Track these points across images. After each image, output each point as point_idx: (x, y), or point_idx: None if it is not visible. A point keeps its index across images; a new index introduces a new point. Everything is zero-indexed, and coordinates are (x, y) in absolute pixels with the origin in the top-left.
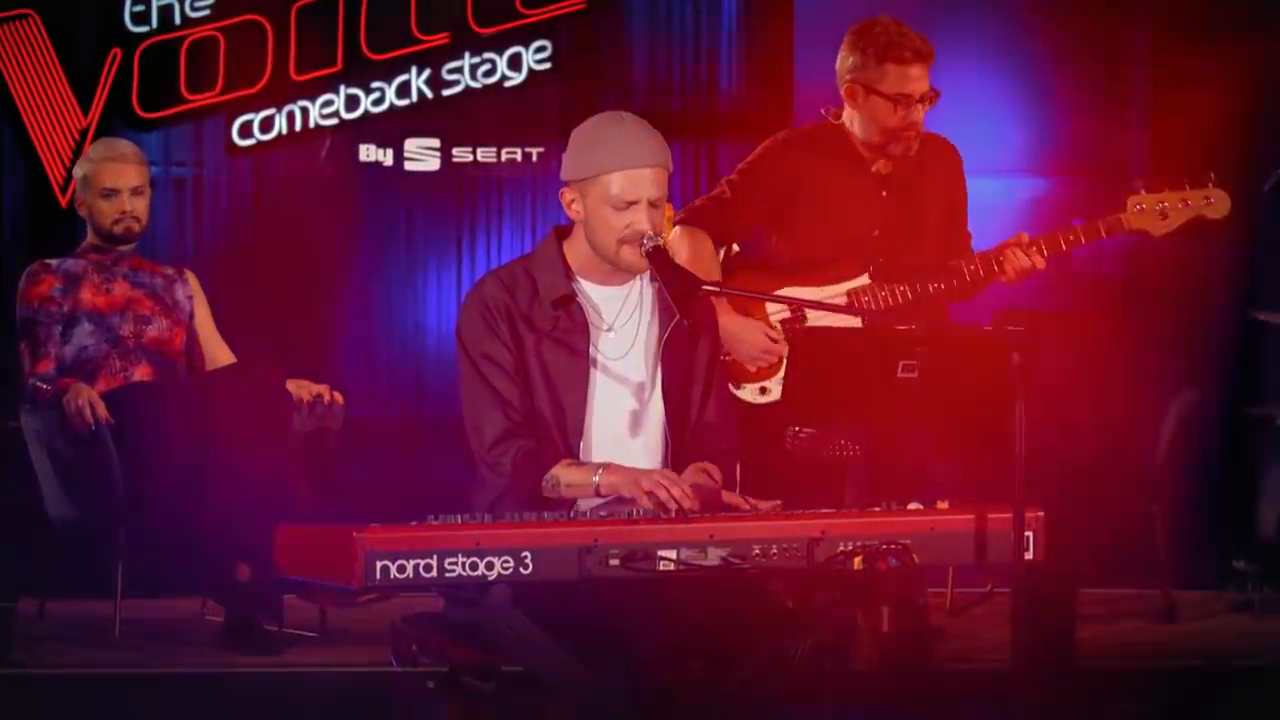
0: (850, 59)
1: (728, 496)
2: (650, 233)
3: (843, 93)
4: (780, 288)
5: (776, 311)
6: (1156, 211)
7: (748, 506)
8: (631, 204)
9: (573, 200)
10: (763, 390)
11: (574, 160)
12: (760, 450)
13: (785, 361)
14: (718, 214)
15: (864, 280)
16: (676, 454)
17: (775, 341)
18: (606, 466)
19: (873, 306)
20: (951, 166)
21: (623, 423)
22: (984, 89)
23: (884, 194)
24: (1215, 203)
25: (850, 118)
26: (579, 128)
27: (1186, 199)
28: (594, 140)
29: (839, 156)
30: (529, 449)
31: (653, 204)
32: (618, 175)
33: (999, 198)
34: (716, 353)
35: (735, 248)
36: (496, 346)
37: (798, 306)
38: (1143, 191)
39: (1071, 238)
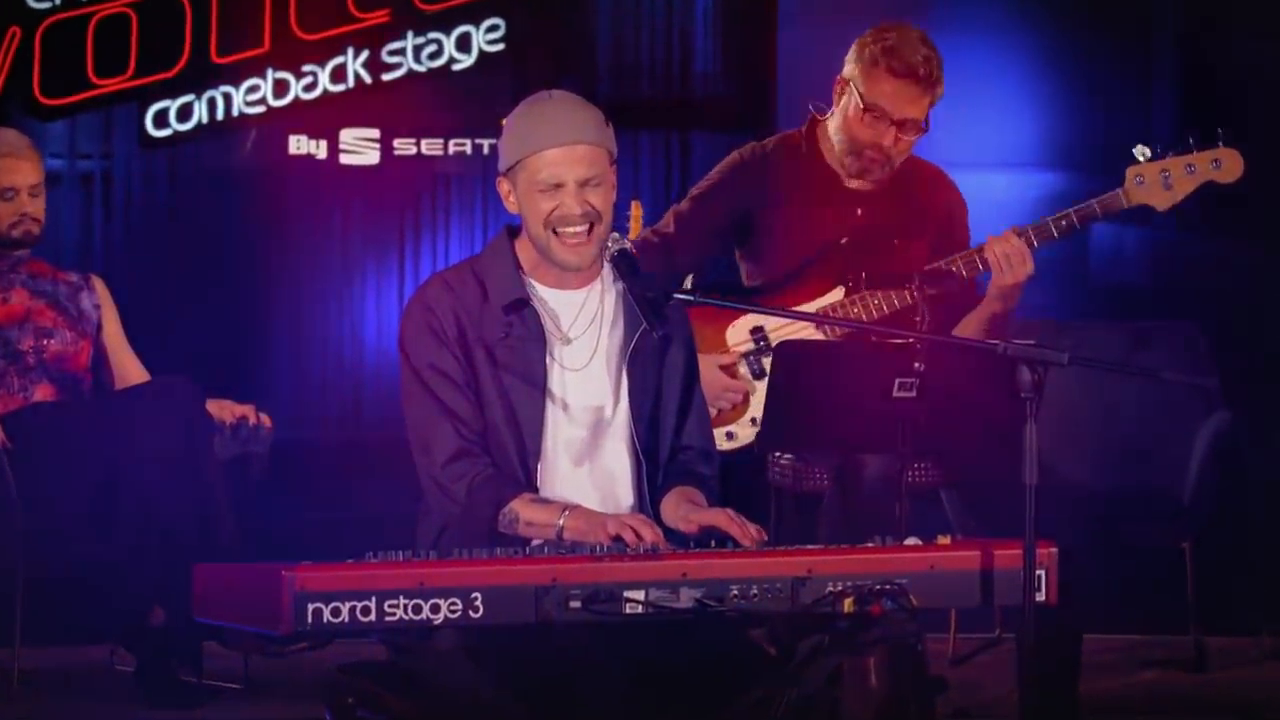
0: (852, 52)
1: (711, 515)
2: (581, 213)
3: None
4: (741, 316)
5: (739, 342)
6: (1159, 181)
7: (737, 528)
8: (558, 186)
9: (508, 193)
10: (729, 436)
11: (503, 148)
12: (738, 492)
13: (751, 397)
14: (661, 251)
15: (838, 295)
16: (650, 477)
17: (735, 378)
18: (573, 509)
19: (863, 318)
20: (944, 199)
21: (584, 443)
22: (993, 74)
23: (859, 211)
24: (1225, 164)
25: (832, 119)
26: (509, 115)
27: (1192, 163)
28: (519, 123)
29: (806, 170)
30: (486, 475)
31: (584, 184)
32: (542, 155)
33: (1009, 192)
34: (694, 364)
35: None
36: (443, 355)
37: (763, 336)
38: (1143, 160)
39: (1064, 223)
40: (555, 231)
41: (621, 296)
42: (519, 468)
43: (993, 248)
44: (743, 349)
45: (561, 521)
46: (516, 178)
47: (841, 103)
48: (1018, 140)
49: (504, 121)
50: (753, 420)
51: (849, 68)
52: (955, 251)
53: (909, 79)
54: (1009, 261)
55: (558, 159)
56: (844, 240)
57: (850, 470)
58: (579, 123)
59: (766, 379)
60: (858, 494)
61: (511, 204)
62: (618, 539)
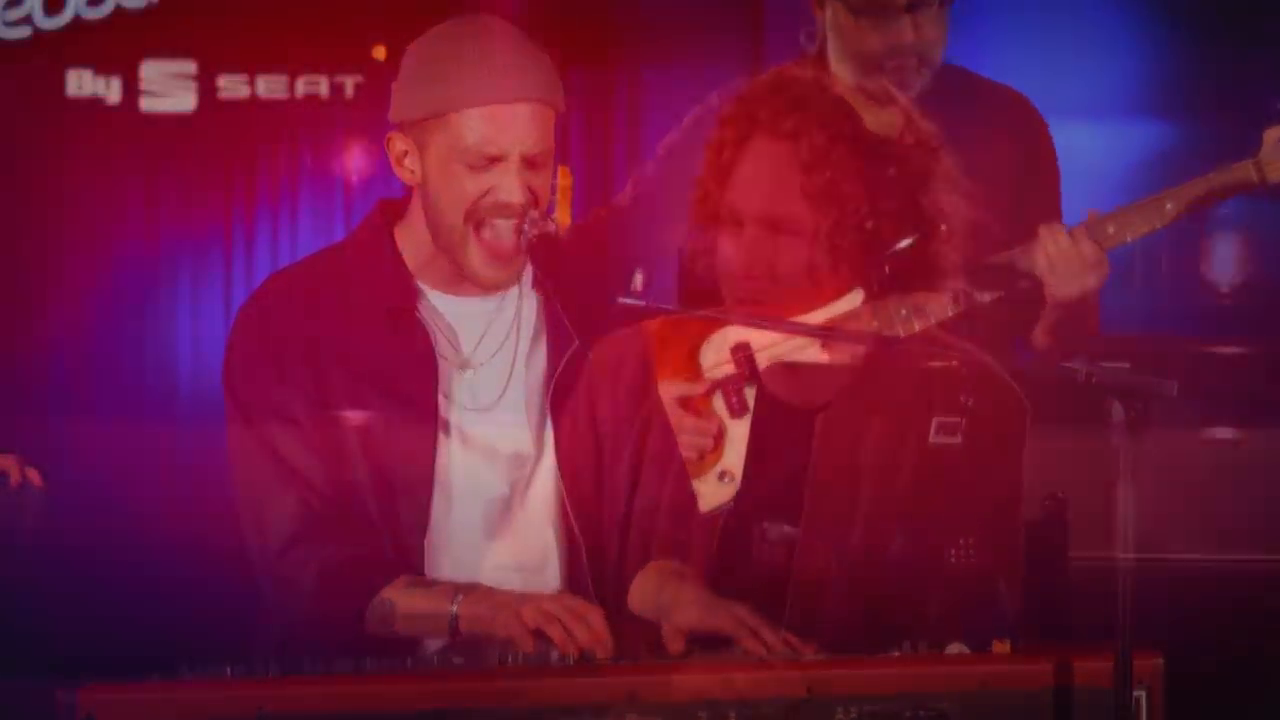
0: None
1: (716, 618)
2: (529, 208)
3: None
4: (719, 329)
5: (716, 364)
6: None
7: (749, 637)
8: (495, 160)
9: (405, 153)
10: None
11: (407, 92)
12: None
13: (724, 442)
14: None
15: (855, 301)
16: (590, 554)
17: (704, 415)
18: (470, 591)
19: (899, 333)
20: (1026, 137)
21: (492, 510)
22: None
23: (890, 171)
24: None
25: (830, 50)
26: (415, 44)
27: None
28: (438, 60)
29: (812, 119)
30: (342, 557)
31: (530, 161)
32: (474, 114)
33: (1100, 149)
34: (650, 392)
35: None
36: (288, 392)
37: (749, 357)
38: None
39: (1169, 207)
40: (479, 226)
41: (546, 300)
42: (394, 547)
43: (1043, 245)
44: (719, 374)
45: (454, 609)
46: (427, 138)
47: (827, 20)
48: (1110, 79)
49: (409, 50)
50: (723, 475)
51: None
52: (1044, 215)
53: None
54: (1058, 268)
55: (500, 119)
56: (870, 224)
57: (865, 545)
58: (528, 71)
59: (749, 417)
60: (875, 580)
61: (407, 171)
62: (538, 634)
